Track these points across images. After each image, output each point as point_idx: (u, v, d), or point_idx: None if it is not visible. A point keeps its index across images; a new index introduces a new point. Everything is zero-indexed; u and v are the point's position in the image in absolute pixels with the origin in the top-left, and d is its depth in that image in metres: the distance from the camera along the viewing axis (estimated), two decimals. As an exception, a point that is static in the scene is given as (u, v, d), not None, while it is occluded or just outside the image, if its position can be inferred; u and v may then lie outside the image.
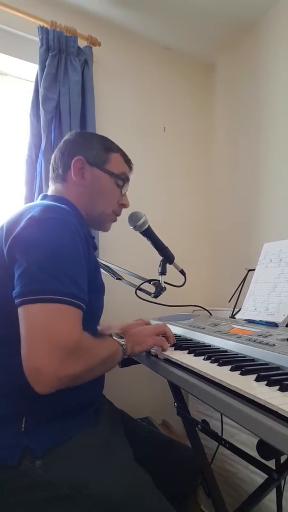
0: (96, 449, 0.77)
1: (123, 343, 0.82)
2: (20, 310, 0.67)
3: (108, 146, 0.99)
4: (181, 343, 0.95)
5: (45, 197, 0.95)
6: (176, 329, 1.13)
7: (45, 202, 0.87)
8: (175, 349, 0.91)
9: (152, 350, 0.91)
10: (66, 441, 0.74)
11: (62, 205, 0.82)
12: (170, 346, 0.92)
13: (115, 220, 1.04)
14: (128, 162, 1.03)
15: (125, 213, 1.12)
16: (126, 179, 1.01)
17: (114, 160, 0.99)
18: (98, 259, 1.27)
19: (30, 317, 0.66)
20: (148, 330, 0.92)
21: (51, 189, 0.99)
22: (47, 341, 0.64)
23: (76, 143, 0.98)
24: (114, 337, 0.82)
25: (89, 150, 0.96)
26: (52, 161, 1.00)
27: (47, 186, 1.46)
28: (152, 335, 0.90)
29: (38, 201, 0.96)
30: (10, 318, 0.69)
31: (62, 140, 1.01)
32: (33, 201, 1.45)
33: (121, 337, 0.84)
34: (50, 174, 1.00)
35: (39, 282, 0.68)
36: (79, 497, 0.69)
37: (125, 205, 1.04)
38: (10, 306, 0.69)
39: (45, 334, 0.64)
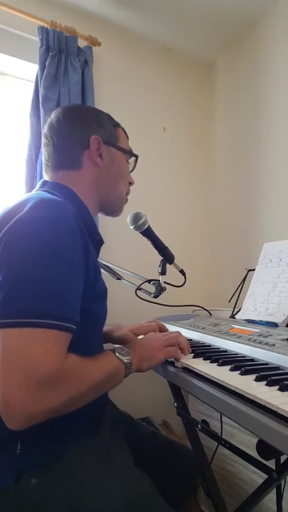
0: (95, 462, 0.71)
1: (126, 360, 0.73)
2: None
3: (114, 122, 0.93)
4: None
5: (44, 184, 0.83)
6: (176, 329, 1.13)
7: (40, 194, 0.74)
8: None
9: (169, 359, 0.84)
10: (64, 455, 0.68)
11: (57, 199, 0.72)
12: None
13: (127, 201, 0.98)
14: (127, 136, 0.98)
15: (126, 213, 1.12)
16: (135, 155, 0.96)
17: (121, 136, 0.93)
18: (98, 259, 1.27)
19: (5, 342, 0.57)
20: (159, 341, 0.82)
21: (53, 176, 0.85)
22: (18, 371, 0.55)
23: (85, 120, 0.86)
24: (116, 354, 0.72)
25: (102, 128, 0.87)
26: (52, 143, 0.85)
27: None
28: (163, 347, 0.81)
29: (35, 190, 0.83)
30: None
31: (60, 117, 0.86)
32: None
33: (125, 354, 0.74)
34: (49, 160, 0.86)
35: (14, 300, 0.58)
36: None
37: (131, 183, 0.98)
38: None
39: (16, 363, 0.55)
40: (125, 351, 0.74)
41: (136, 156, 0.96)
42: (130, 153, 0.94)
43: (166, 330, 1.06)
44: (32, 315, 0.57)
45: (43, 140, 0.88)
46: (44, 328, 0.58)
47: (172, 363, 0.83)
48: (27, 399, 0.55)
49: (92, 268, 0.73)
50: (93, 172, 0.85)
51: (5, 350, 0.57)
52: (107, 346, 0.96)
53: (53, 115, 0.88)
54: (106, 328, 1.00)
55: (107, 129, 0.88)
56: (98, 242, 0.88)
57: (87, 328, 0.66)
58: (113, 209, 0.94)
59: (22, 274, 0.60)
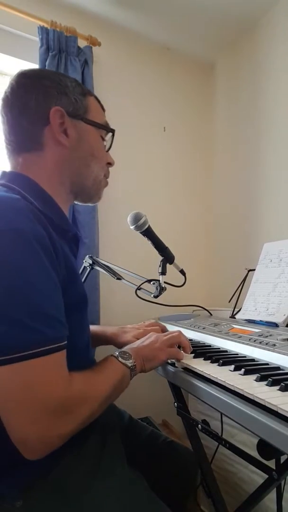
0: (84, 475, 0.66)
1: (130, 364, 0.70)
2: None
3: (83, 89, 0.76)
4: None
5: (2, 176, 0.71)
6: (176, 329, 1.13)
7: None
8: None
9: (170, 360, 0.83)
10: (48, 473, 0.62)
11: (12, 198, 0.60)
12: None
13: (107, 185, 0.84)
14: (103, 109, 0.82)
15: (126, 213, 1.12)
16: (111, 129, 0.81)
17: (93, 107, 0.77)
18: (98, 259, 1.27)
19: (3, 383, 0.52)
20: (160, 341, 0.79)
21: (15, 162, 0.73)
22: (28, 407, 0.52)
23: (44, 88, 0.70)
24: (119, 360, 0.70)
25: (65, 96, 0.71)
26: (5, 119, 0.71)
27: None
28: (165, 347, 0.79)
29: None
30: None
31: (15, 86, 0.71)
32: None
33: (128, 357, 0.71)
34: (7, 142, 0.72)
35: (1, 336, 0.51)
36: None
37: (111, 164, 0.83)
38: None
39: (23, 401, 0.52)
40: (127, 354, 0.72)
41: (113, 131, 0.81)
42: (104, 127, 0.78)
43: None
44: (23, 347, 0.52)
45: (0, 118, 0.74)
46: (40, 357, 0.53)
47: (172, 364, 0.83)
48: (43, 433, 0.53)
49: (65, 269, 0.64)
50: (58, 153, 0.71)
51: (7, 391, 0.52)
52: (107, 348, 0.96)
53: (8, 84, 0.72)
54: (108, 332, 0.99)
55: (72, 98, 0.72)
56: (72, 238, 0.76)
57: (70, 345, 0.60)
58: (88, 196, 0.80)
59: None
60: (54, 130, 0.70)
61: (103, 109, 0.82)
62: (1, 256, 0.53)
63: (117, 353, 0.72)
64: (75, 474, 0.65)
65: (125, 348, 0.76)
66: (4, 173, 0.72)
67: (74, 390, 0.57)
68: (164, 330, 1.03)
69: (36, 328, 0.53)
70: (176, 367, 0.82)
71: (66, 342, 0.58)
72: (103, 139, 0.79)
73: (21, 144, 0.71)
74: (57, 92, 0.71)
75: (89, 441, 0.72)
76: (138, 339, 0.92)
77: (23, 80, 0.71)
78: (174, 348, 0.81)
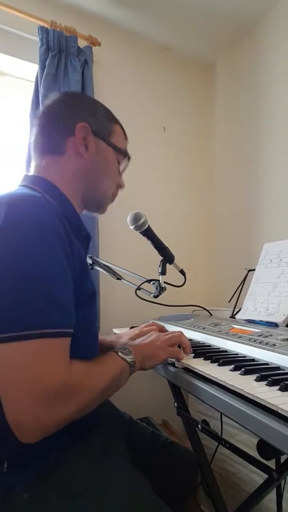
0: (88, 471, 0.68)
1: (130, 360, 0.72)
2: None
3: (113, 116, 0.87)
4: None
5: (24, 178, 0.78)
6: (176, 329, 1.13)
7: (14, 194, 0.67)
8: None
9: (169, 359, 0.83)
10: (54, 468, 0.65)
11: (35, 196, 0.66)
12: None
13: (112, 201, 0.92)
14: (126, 137, 0.92)
15: (126, 213, 1.12)
16: (128, 155, 0.90)
17: (118, 133, 0.87)
18: (98, 259, 1.27)
19: (5, 359, 0.54)
20: (161, 340, 0.80)
21: (37, 163, 0.80)
22: (27, 389, 0.53)
23: (77, 106, 0.82)
24: (119, 354, 0.71)
25: (94, 117, 0.81)
26: (39, 127, 0.81)
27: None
28: (165, 346, 0.79)
29: (8, 191, 0.71)
30: None
31: (56, 99, 0.83)
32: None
33: (128, 353, 0.73)
34: (36, 145, 0.81)
35: (7, 314, 0.55)
36: None
37: (121, 186, 0.92)
38: None
39: (23, 380, 0.53)
40: (127, 350, 0.74)
41: (129, 157, 0.90)
42: (122, 152, 0.87)
43: (166, 331, 1.06)
44: (29, 327, 0.55)
45: (34, 120, 0.84)
46: (44, 338, 0.56)
47: (172, 364, 0.83)
48: (41, 416, 0.54)
49: (79, 263, 0.69)
50: (76, 162, 0.79)
51: (7, 369, 0.54)
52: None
53: (50, 98, 0.84)
54: (107, 340, 1.00)
55: (100, 120, 0.82)
56: (84, 238, 0.82)
57: (78, 329, 0.64)
58: (97, 205, 0.89)
59: (11, 287, 0.56)
60: (77, 142, 0.79)
61: (126, 138, 0.92)
62: (24, 246, 0.59)
63: (117, 348, 0.73)
64: (79, 471, 0.67)
65: (126, 345, 0.77)
66: (26, 176, 0.79)
67: (74, 376, 0.59)
68: (161, 329, 1.03)
69: (45, 312, 0.57)
70: (177, 367, 0.82)
71: (71, 331, 0.61)
72: (119, 163, 0.88)
73: (47, 146, 0.80)
74: (88, 113, 0.81)
75: (94, 439, 0.74)
76: (134, 340, 0.94)
77: (64, 97, 0.84)
78: (175, 348, 0.81)
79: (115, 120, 0.87)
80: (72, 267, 0.65)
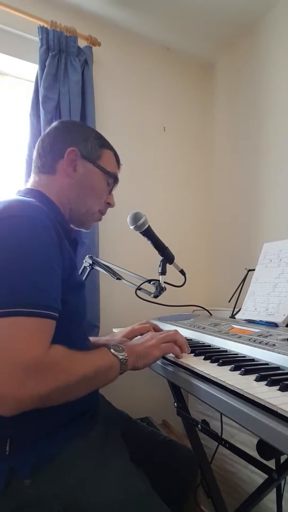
0: (88, 461, 0.72)
1: (121, 357, 0.73)
2: None
3: (103, 142, 0.96)
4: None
5: (17, 192, 0.89)
6: (176, 329, 1.13)
7: (12, 198, 0.78)
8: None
9: (171, 357, 0.84)
10: (56, 455, 0.69)
11: (30, 200, 0.76)
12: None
13: (100, 219, 1.01)
14: (118, 162, 1.00)
15: (126, 213, 1.12)
16: (116, 179, 0.99)
17: (107, 157, 0.95)
18: (98, 259, 1.27)
19: None
20: (155, 339, 0.82)
21: (32, 180, 0.92)
22: (3, 360, 0.57)
23: (70, 133, 0.92)
24: (111, 350, 0.74)
25: (84, 143, 0.91)
26: (38, 148, 0.93)
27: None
28: (159, 344, 0.81)
29: (7, 197, 0.84)
30: None
31: (53, 126, 0.94)
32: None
33: (120, 350, 0.74)
34: (34, 163, 0.93)
35: None
36: None
37: (111, 205, 1.00)
38: None
39: (1, 352, 0.58)
40: (120, 347, 0.75)
41: (115, 180, 0.98)
42: (109, 174, 0.95)
43: (160, 330, 1.06)
44: (9, 305, 0.60)
45: (35, 147, 0.95)
46: (23, 317, 0.60)
47: (174, 363, 0.83)
48: (14, 386, 0.56)
49: (68, 262, 0.75)
50: (64, 181, 0.89)
51: None
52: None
53: (48, 128, 0.96)
54: (101, 340, 1.03)
55: (89, 145, 0.92)
56: (72, 241, 0.90)
57: (65, 319, 0.68)
58: (80, 221, 0.96)
59: None
60: (65, 164, 0.89)
61: (119, 163, 1.00)
62: (11, 233, 0.65)
63: (110, 345, 0.75)
64: (80, 460, 0.71)
65: (120, 343, 0.78)
66: (19, 190, 0.89)
67: (51, 356, 0.62)
68: (155, 328, 1.03)
69: (26, 293, 0.62)
70: (176, 364, 0.81)
71: (53, 313, 0.65)
72: (108, 184, 0.96)
73: (41, 167, 0.91)
74: (79, 138, 0.92)
75: (94, 433, 0.78)
76: (127, 337, 0.98)
77: (60, 125, 0.95)
78: (169, 343, 0.82)
79: (106, 146, 0.96)
80: (61, 264, 0.72)
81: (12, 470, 0.65)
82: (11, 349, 0.58)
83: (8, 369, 0.56)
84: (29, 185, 0.92)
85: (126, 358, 0.74)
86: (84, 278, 1.24)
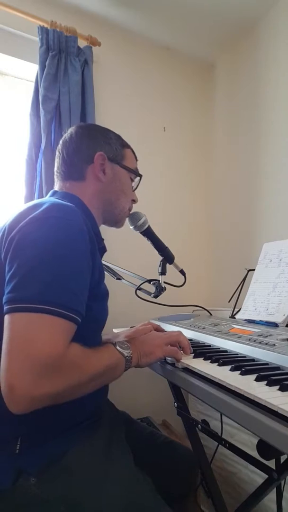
0: (94, 461, 0.72)
1: (126, 354, 0.74)
2: (5, 319, 0.61)
3: (123, 142, 0.98)
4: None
5: (54, 193, 0.89)
6: (176, 329, 1.13)
7: (52, 199, 0.79)
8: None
9: (168, 359, 0.83)
10: (62, 456, 0.70)
11: (69, 204, 0.75)
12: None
13: (128, 215, 1.05)
14: (136, 158, 1.03)
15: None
16: (140, 174, 1.02)
17: (128, 156, 0.98)
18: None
19: (10, 327, 0.60)
20: (160, 339, 0.83)
21: (60, 186, 0.92)
22: (22, 354, 0.57)
23: (93, 137, 0.93)
24: (117, 347, 0.74)
25: (108, 145, 0.93)
26: (62, 155, 0.92)
27: (47, 186, 1.47)
28: (163, 345, 0.81)
29: (46, 197, 0.88)
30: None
31: (73, 133, 0.93)
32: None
33: (126, 347, 0.75)
34: (59, 170, 0.93)
35: (24, 288, 0.62)
36: None
37: (135, 201, 1.03)
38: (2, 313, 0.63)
39: (21, 346, 0.58)
40: (125, 345, 0.76)
41: (140, 176, 1.01)
42: (134, 172, 0.99)
43: (163, 330, 1.06)
44: (39, 302, 0.61)
45: (56, 153, 0.95)
46: (50, 315, 0.61)
47: (172, 364, 0.83)
48: (30, 383, 0.56)
49: (98, 270, 0.78)
50: (96, 185, 0.91)
51: (12, 334, 0.59)
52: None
53: (67, 132, 0.96)
54: (105, 337, 1.03)
55: (113, 147, 0.94)
56: (101, 249, 0.92)
57: (86, 325, 0.68)
58: (114, 221, 1.00)
59: (34, 266, 0.63)
60: (96, 169, 0.90)
61: (136, 158, 1.02)
62: (50, 233, 0.67)
63: (116, 342, 0.76)
64: (85, 460, 0.71)
65: (125, 340, 0.79)
66: (55, 191, 0.90)
67: (69, 355, 0.62)
68: (157, 328, 1.03)
69: (56, 292, 0.63)
70: (176, 367, 0.81)
71: (77, 318, 0.65)
72: (132, 180, 0.99)
73: (69, 174, 0.91)
74: (103, 142, 0.93)
75: (99, 435, 0.78)
76: (130, 337, 0.95)
77: (80, 130, 0.94)
78: (173, 347, 0.82)
79: (126, 145, 0.99)
80: (91, 271, 0.73)
81: (20, 469, 0.67)
82: (33, 344, 0.58)
83: (26, 363, 0.57)
84: (59, 189, 0.92)
85: (131, 355, 0.75)
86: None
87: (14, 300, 0.61)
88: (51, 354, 0.59)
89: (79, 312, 0.66)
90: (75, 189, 0.89)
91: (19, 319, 0.60)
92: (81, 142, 0.92)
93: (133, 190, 1.02)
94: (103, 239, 0.94)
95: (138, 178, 1.01)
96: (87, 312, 0.69)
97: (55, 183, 0.94)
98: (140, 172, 1.02)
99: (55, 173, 0.94)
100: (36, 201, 0.78)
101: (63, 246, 0.67)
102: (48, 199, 0.81)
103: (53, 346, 0.60)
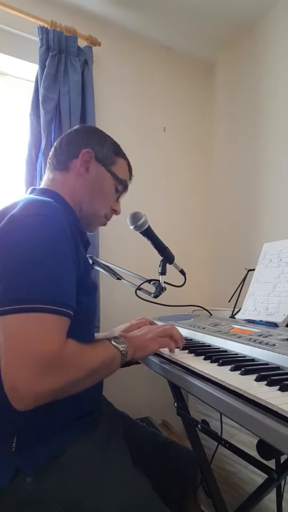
0: (90, 461, 0.73)
1: (122, 349, 0.76)
2: None
3: (118, 150, 0.98)
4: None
5: (32, 190, 0.90)
6: (172, 324, 1.12)
7: (30, 196, 0.81)
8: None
9: (165, 354, 0.86)
10: (59, 455, 0.70)
11: (47, 199, 0.76)
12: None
13: (104, 224, 1.02)
14: (130, 172, 1.02)
15: (125, 213, 1.12)
16: (126, 187, 1.00)
17: (120, 165, 0.97)
18: (98, 259, 1.27)
19: (5, 330, 0.61)
20: (153, 333, 0.85)
21: (46, 177, 0.94)
22: (21, 355, 0.59)
23: (88, 136, 0.94)
24: (112, 342, 0.76)
25: (100, 147, 0.94)
26: (56, 146, 0.95)
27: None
28: (157, 338, 0.83)
29: (24, 195, 0.89)
30: None
31: (73, 129, 0.98)
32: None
33: (121, 342, 0.77)
34: (50, 160, 0.95)
35: (12, 289, 0.62)
36: None
37: (116, 212, 1.01)
38: None
39: (19, 348, 0.59)
40: (120, 340, 0.78)
41: (125, 187, 0.99)
42: (119, 180, 0.96)
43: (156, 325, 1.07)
44: (31, 301, 0.62)
45: (54, 144, 0.97)
46: (43, 313, 0.62)
47: (175, 363, 0.84)
48: (32, 381, 0.58)
49: (83, 262, 0.78)
50: (76, 180, 0.91)
51: (8, 336, 0.60)
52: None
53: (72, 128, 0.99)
54: (102, 335, 1.04)
55: (105, 150, 0.94)
56: (84, 242, 0.91)
57: (77, 319, 0.69)
58: (86, 223, 0.96)
59: (20, 266, 0.64)
60: (78, 163, 0.91)
61: (131, 173, 1.02)
62: (32, 231, 0.67)
63: (111, 337, 0.78)
64: (82, 460, 0.72)
65: (119, 335, 0.80)
66: (33, 188, 0.91)
67: (66, 351, 0.64)
68: (151, 323, 1.05)
69: (46, 289, 0.64)
70: (176, 364, 0.82)
71: (69, 311, 0.66)
72: (117, 191, 0.98)
73: (56, 164, 0.93)
74: (96, 142, 0.94)
75: (97, 434, 0.79)
76: (125, 332, 0.97)
77: (80, 128, 0.99)
78: (166, 338, 0.85)
79: (121, 155, 0.98)
80: (76, 265, 0.73)
81: (17, 467, 0.67)
82: (30, 343, 0.59)
83: (26, 363, 0.58)
84: (43, 184, 0.94)
85: (126, 350, 0.76)
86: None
87: (5, 302, 0.62)
88: (49, 352, 0.60)
89: (70, 305, 0.67)
90: (56, 181, 0.91)
91: (14, 321, 0.61)
92: (75, 137, 0.94)
93: (117, 200, 1.00)
94: (85, 233, 0.93)
95: (122, 188, 0.98)
96: (77, 306, 0.70)
97: (45, 172, 0.96)
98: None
99: (48, 161, 0.96)
100: (14, 200, 0.79)
101: (45, 244, 0.67)
102: (25, 196, 0.81)
103: (50, 344, 0.61)
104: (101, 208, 0.96)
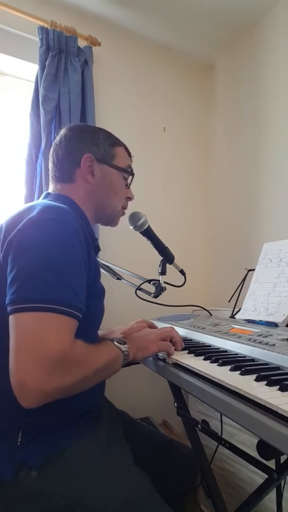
0: (93, 457, 0.74)
1: (124, 349, 0.77)
2: (11, 319, 0.63)
3: (113, 141, 0.97)
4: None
5: (47, 195, 0.91)
6: (176, 329, 1.12)
7: (46, 201, 0.82)
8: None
9: (160, 354, 0.87)
10: (63, 450, 0.71)
11: (62, 205, 0.78)
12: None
13: (123, 214, 1.04)
14: (129, 154, 1.01)
15: (125, 213, 1.11)
16: (131, 173, 1.00)
17: (119, 154, 0.97)
18: (98, 259, 1.27)
19: (18, 327, 0.62)
20: (153, 334, 0.87)
21: (54, 187, 0.94)
22: (33, 352, 0.60)
23: (81, 139, 0.93)
24: (115, 343, 0.77)
25: (96, 146, 0.93)
26: (53, 159, 0.95)
27: (47, 186, 1.47)
28: (157, 340, 0.85)
29: (39, 200, 0.90)
30: (6, 327, 0.64)
31: (62, 136, 0.95)
32: (33, 201, 1.44)
33: (123, 343, 0.79)
34: (52, 173, 0.95)
35: (29, 288, 0.64)
36: (76, 509, 0.68)
37: (130, 198, 1.03)
38: (5, 314, 0.65)
39: (31, 345, 0.60)
40: (122, 341, 0.79)
41: (132, 175, 1.00)
42: (125, 171, 0.97)
43: (156, 327, 1.07)
44: (45, 301, 0.63)
45: (49, 157, 0.97)
46: (56, 313, 0.64)
47: (163, 360, 0.85)
48: (42, 379, 0.59)
49: (94, 268, 0.80)
50: (85, 187, 0.92)
51: (20, 334, 0.62)
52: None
53: (58, 135, 0.97)
54: (100, 333, 1.04)
55: (102, 148, 0.94)
56: (95, 248, 0.92)
57: (84, 323, 0.70)
58: (108, 220, 1.00)
59: (36, 268, 0.66)
60: (83, 171, 0.91)
61: (130, 155, 1.01)
62: (48, 235, 0.70)
63: (113, 338, 0.79)
64: (85, 455, 0.73)
65: (121, 336, 0.82)
66: (48, 193, 0.92)
67: (75, 351, 0.65)
68: (151, 326, 1.06)
69: (59, 291, 0.65)
70: (167, 362, 0.84)
71: (80, 315, 0.68)
72: (125, 179, 0.99)
73: (60, 177, 0.93)
74: (91, 143, 0.93)
75: (99, 432, 0.80)
76: (126, 334, 0.98)
77: (69, 133, 0.95)
78: (166, 342, 0.86)
79: (117, 143, 0.97)
80: (87, 269, 0.76)
81: (21, 461, 0.68)
82: (43, 342, 0.61)
83: (38, 361, 0.59)
84: (51, 191, 0.94)
85: (128, 350, 0.78)
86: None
87: (20, 300, 0.63)
88: (60, 351, 0.61)
89: (81, 309, 0.69)
90: (67, 190, 0.91)
91: (27, 318, 0.62)
92: (69, 146, 0.93)
93: (128, 187, 1.01)
94: (96, 239, 0.96)
95: (129, 175, 1.00)
96: (85, 310, 0.71)
97: (49, 185, 0.97)
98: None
99: (49, 175, 0.97)
100: (30, 204, 0.82)
101: (61, 247, 0.69)
102: (41, 201, 0.84)
103: (62, 344, 0.62)
104: (117, 203, 0.98)
